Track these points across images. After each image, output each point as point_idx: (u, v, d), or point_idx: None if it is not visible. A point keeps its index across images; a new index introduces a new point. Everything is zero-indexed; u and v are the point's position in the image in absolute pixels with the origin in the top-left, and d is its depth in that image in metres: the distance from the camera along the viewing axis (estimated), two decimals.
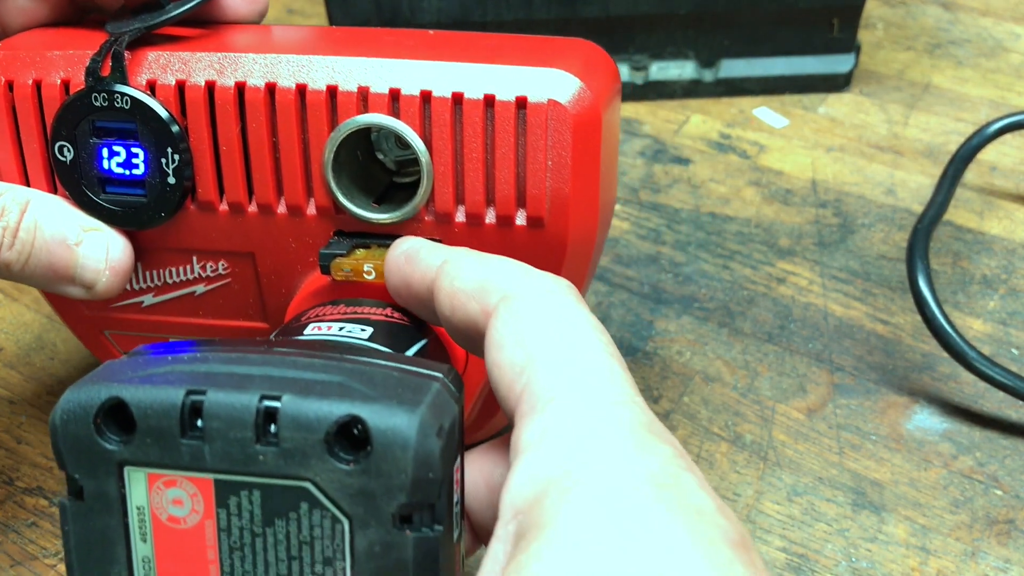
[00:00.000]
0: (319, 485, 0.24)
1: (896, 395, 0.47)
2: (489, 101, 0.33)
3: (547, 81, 0.33)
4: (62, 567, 0.40)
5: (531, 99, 0.33)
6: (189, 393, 0.24)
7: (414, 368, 0.26)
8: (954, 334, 0.44)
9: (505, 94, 0.33)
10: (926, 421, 0.46)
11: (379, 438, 0.23)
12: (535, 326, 0.27)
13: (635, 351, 0.49)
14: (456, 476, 0.25)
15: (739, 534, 0.23)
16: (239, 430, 0.23)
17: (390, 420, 0.23)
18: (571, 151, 0.33)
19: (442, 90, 0.33)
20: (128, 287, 0.38)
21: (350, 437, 0.24)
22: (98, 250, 0.35)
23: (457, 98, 0.33)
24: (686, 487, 0.23)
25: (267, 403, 0.23)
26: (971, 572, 0.40)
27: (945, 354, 0.45)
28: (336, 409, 0.23)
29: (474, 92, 0.33)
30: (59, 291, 0.36)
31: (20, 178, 0.36)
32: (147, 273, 0.38)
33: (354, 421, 0.23)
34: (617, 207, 0.58)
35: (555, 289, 0.28)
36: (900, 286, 0.52)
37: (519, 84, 0.33)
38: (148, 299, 0.39)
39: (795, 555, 0.40)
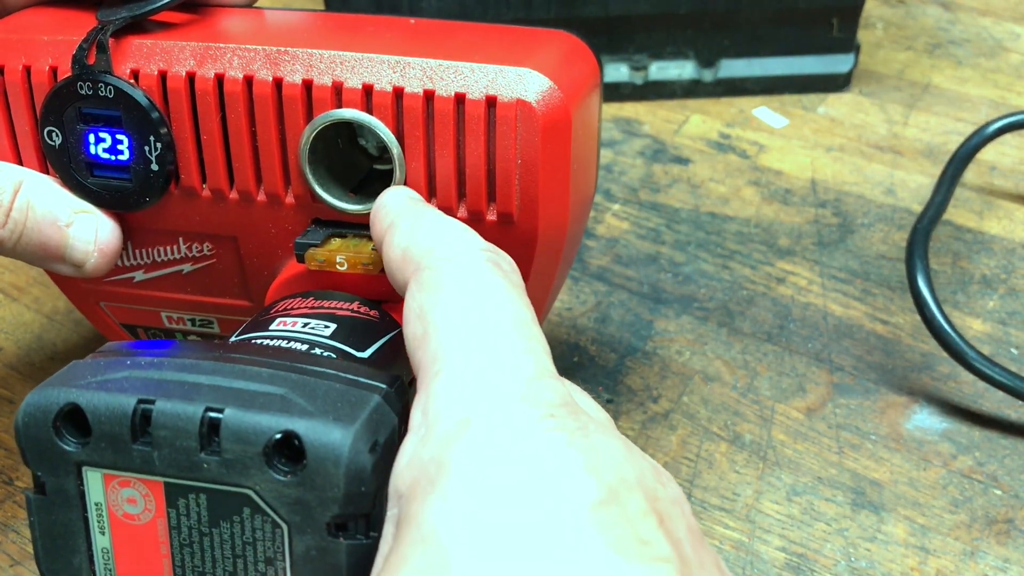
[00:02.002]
0: (259, 493, 0.25)
1: (895, 395, 0.47)
2: (460, 99, 0.34)
3: (517, 80, 0.33)
4: None
5: (500, 98, 0.33)
6: (140, 401, 0.25)
7: (359, 379, 0.27)
8: (953, 334, 0.44)
9: (475, 92, 0.33)
10: (925, 421, 0.46)
11: (313, 453, 0.24)
12: (434, 297, 0.27)
13: (635, 351, 0.49)
14: None
15: (607, 487, 0.22)
16: (185, 439, 0.25)
17: (325, 436, 0.24)
18: (540, 150, 0.34)
19: (414, 87, 0.34)
20: (120, 263, 0.39)
21: (289, 449, 0.25)
22: (87, 232, 0.36)
23: (428, 95, 0.34)
24: (549, 451, 0.23)
25: (211, 415, 0.25)
26: (970, 572, 0.40)
27: (945, 354, 0.45)
28: (274, 424, 0.25)
29: (445, 90, 0.33)
30: (49, 268, 0.37)
31: (14, 159, 0.37)
32: (137, 251, 0.39)
33: (291, 435, 0.25)
34: (617, 207, 0.58)
35: (464, 257, 0.28)
36: (900, 286, 0.52)
37: (490, 83, 0.33)
38: (139, 275, 0.40)
39: (794, 555, 0.41)
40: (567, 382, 0.28)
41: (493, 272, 0.28)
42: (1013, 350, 0.49)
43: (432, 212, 0.31)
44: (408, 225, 0.30)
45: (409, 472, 0.24)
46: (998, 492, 0.43)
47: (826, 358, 0.49)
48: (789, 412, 0.46)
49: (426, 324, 0.26)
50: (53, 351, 0.50)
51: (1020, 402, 0.46)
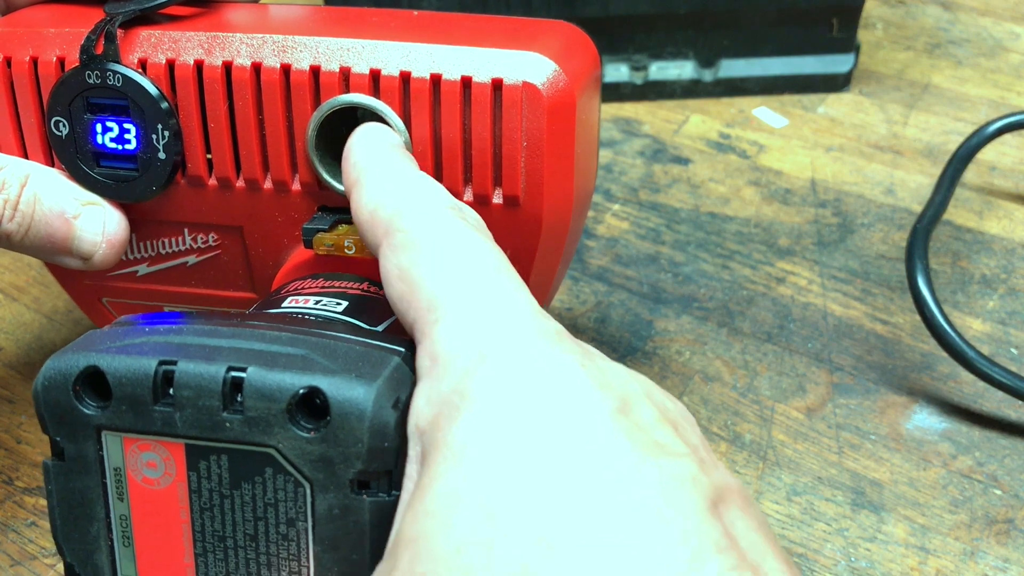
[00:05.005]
0: (282, 451, 0.25)
1: (895, 395, 0.47)
2: (466, 82, 0.34)
3: (523, 64, 0.34)
4: (62, 567, 0.40)
5: (506, 81, 0.34)
6: (161, 363, 0.25)
7: (377, 343, 0.27)
8: (953, 334, 0.44)
9: (481, 76, 0.34)
10: (925, 421, 0.46)
11: (337, 409, 0.24)
12: (411, 256, 0.27)
13: (635, 351, 0.49)
14: None
15: (620, 400, 0.24)
16: (207, 399, 0.25)
17: (348, 392, 0.24)
18: (546, 133, 0.34)
19: (421, 71, 0.34)
20: (124, 257, 0.39)
21: (311, 407, 0.25)
22: (95, 223, 0.37)
23: (435, 79, 0.34)
24: (563, 371, 0.24)
25: (234, 374, 0.25)
26: (970, 572, 0.40)
27: (944, 354, 0.45)
28: (297, 381, 0.25)
29: (452, 73, 0.34)
30: (57, 261, 0.37)
31: (19, 151, 0.37)
32: (141, 244, 0.39)
33: (314, 392, 0.25)
34: (616, 207, 0.58)
35: (429, 215, 0.29)
36: (899, 286, 0.52)
37: (495, 66, 0.34)
38: (143, 268, 0.40)
39: (794, 555, 0.41)
40: None
41: (462, 225, 0.28)
42: (1013, 350, 0.49)
43: (398, 166, 0.31)
44: (374, 184, 0.30)
45: (428, 409, 0.24)
46: (998, 492, 0.43)
47: (826, 358, 0.49)
48: (789, 412, 0.46)
49: (410, 281, 0.27)
50: (53, 351, 0.50)
51: (1020, 402, 0.46)
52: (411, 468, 0.25)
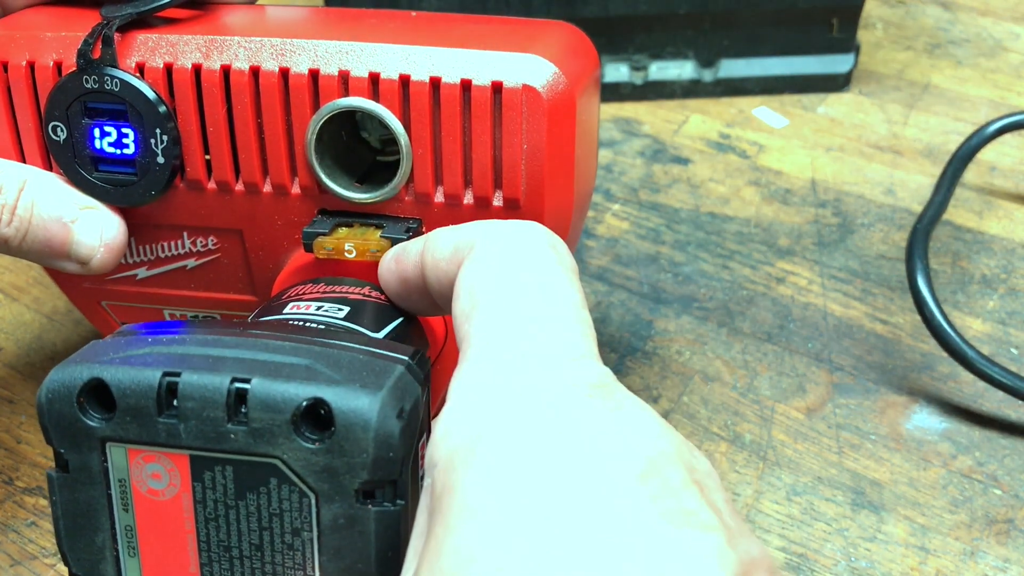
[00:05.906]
0: (287, 462, 0.25)
1: (895, 395, 0.47)
2: (466, 85, 0.34)
3: (522, 66, 0.34)
4: (62, 567, 0.41)
5: (506, 84, 0.34)
6: (165, 375, 0.25)
7: (381, 351, 0.27)
8: (953, 334, 0.44)
9: (481, 79, 0.34)
10: (925, 421, 0.46)
11: (342, 419, 0.24)
12: (488, 273, 0.27)
13: (634, 351, 0.49)
14: (421, 452, 0.27)
15: (647, 460, 0.23)
16: (212, 410, 0.25)
17: (353, 402, 0.24)
18: (546, 135, 0.34)
19: (420, 74, 0.34)
20: (123, 260, 0.39)
21: (316, 417, 0.25)
22: (93, 228, 0.36)
23: (435, 82, 0.34)
24: (587, 427, 0.23)
25: (238, 385, 0.25)
26: (970, 572, 0.40)
27: (944, 354, 0.45)
28: (302, 391, 0.25)
29: (451, 76, 0.34)
30: (55, 266, 0.37)
31: (16, 156, 0.37)
32: (140, 247, 0.39)
33: (319, 403, 0.25)
34: (616, 207, 0.58)
35: (518, 235, 0.28)
36: (899, 286, 0.52)
37: (495, 69, 0.34)
38: (142, 272, 0.40)
39: (794, 555, 0.41)
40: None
41: (548, 252, 0.28)
42: (1013, 350, 0.49)
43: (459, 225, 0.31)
44: (445, 230, 0.30)
45: (446, 443, 0.24)
46: (998, 492, 0.43)
47: (826, 358, 0.49)
48: (789, 412, 0.46)
49: (475, 300, 0.26)
50: (53, 351, 0.50)
51: (1020, 402, 0.46)
52: (422, 500, 0.24)
